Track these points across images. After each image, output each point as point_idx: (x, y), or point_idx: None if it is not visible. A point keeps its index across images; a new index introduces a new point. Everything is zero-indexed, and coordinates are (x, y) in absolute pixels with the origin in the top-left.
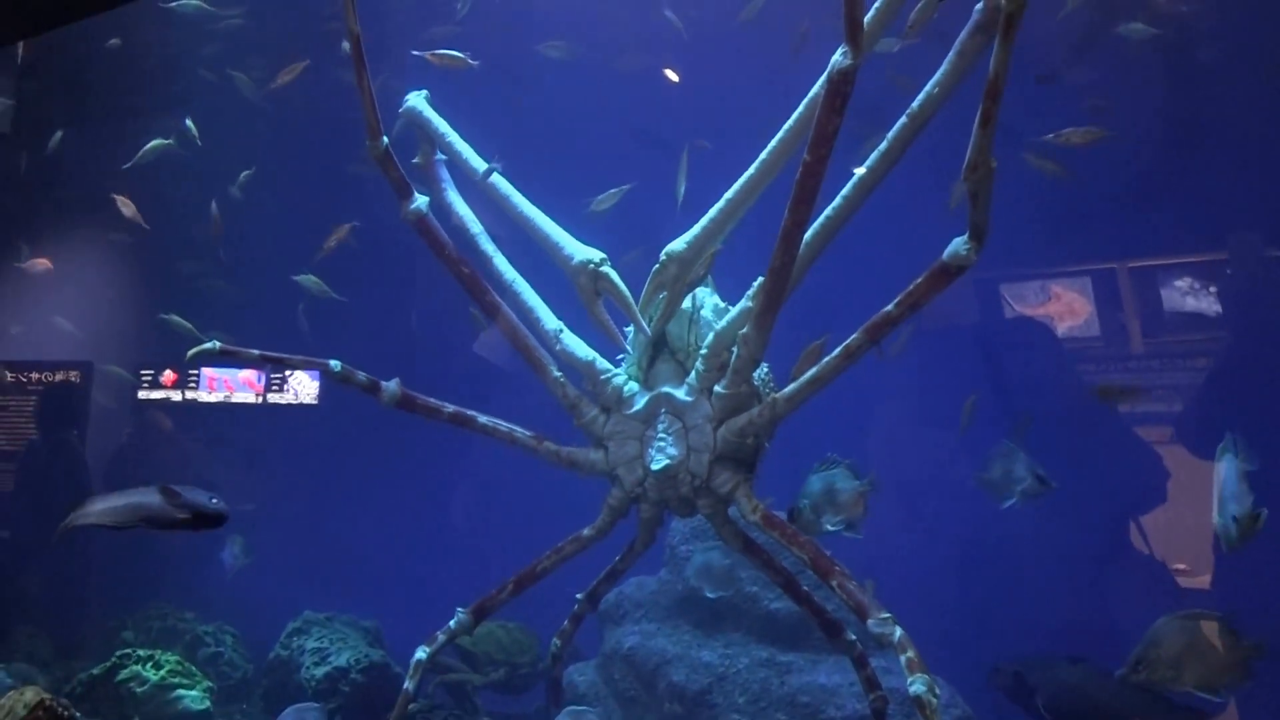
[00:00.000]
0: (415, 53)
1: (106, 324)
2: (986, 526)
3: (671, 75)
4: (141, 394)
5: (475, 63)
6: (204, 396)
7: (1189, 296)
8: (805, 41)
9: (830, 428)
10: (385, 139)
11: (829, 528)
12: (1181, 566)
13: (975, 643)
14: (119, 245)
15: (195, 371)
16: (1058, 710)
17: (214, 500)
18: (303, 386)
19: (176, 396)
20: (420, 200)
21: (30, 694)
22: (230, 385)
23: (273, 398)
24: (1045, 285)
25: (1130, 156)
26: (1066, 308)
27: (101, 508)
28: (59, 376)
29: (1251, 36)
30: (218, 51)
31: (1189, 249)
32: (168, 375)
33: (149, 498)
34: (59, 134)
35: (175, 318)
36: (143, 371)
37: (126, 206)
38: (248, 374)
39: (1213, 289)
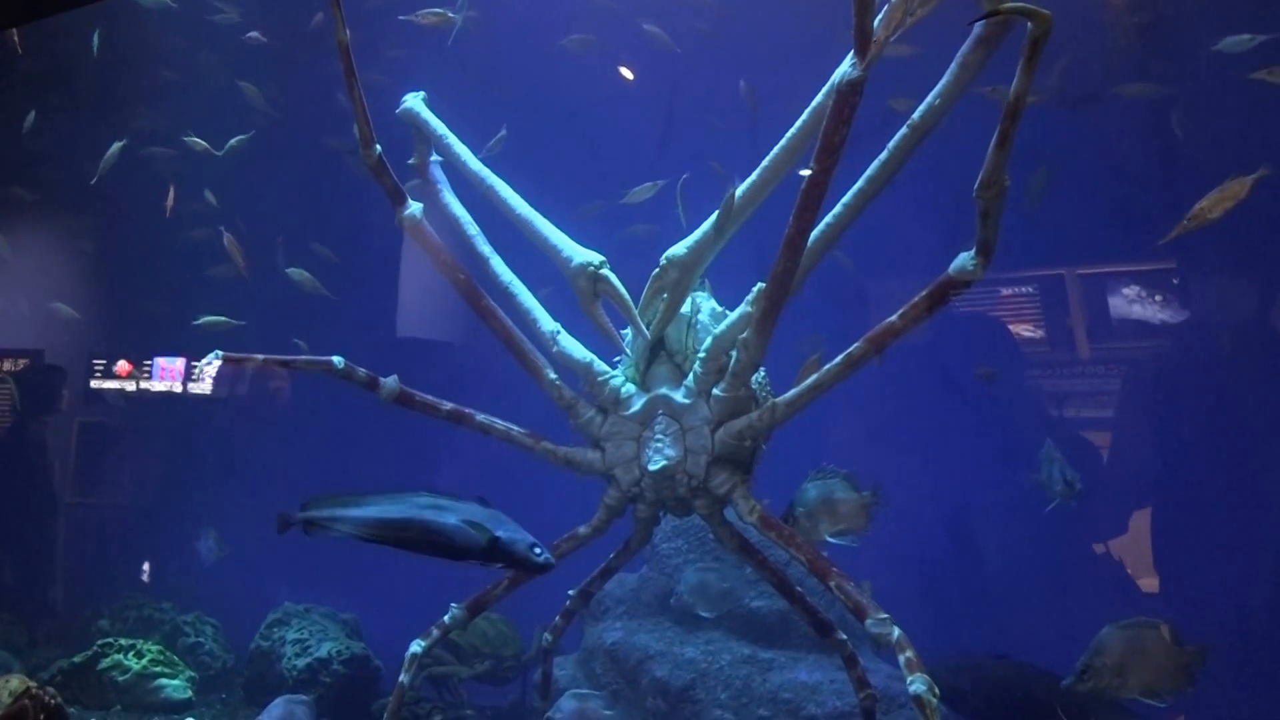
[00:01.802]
0: (402, 17)
1: (60, 312)
2: (940, 529)
3: (626, 73)
4: (94, 383)
5: (458, 16)
6: (156, 386)
7: (1135, 304)
8: (756, 99)
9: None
10: (378, 147)
11: (827, 538)
12: (1129, 570)
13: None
14: (77, 233)
15: (149, 361)
16: (991, 706)
17: (538, 551)
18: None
19: (130, 386)
20: (414, 206)
21: (15, 682)
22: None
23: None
24: (996, 290)
25: (1082, 162)
26: (1016, 313)
27: (373, 516)
28: (6, 365)
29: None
30: (205, 43)
31: (1138, 257)
32: (121, 365)
33: (439, 517)
34: (32, 114)
35: (209, 318)
36: (95, 360)
37: (170, 198)
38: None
39: (1158, 296)
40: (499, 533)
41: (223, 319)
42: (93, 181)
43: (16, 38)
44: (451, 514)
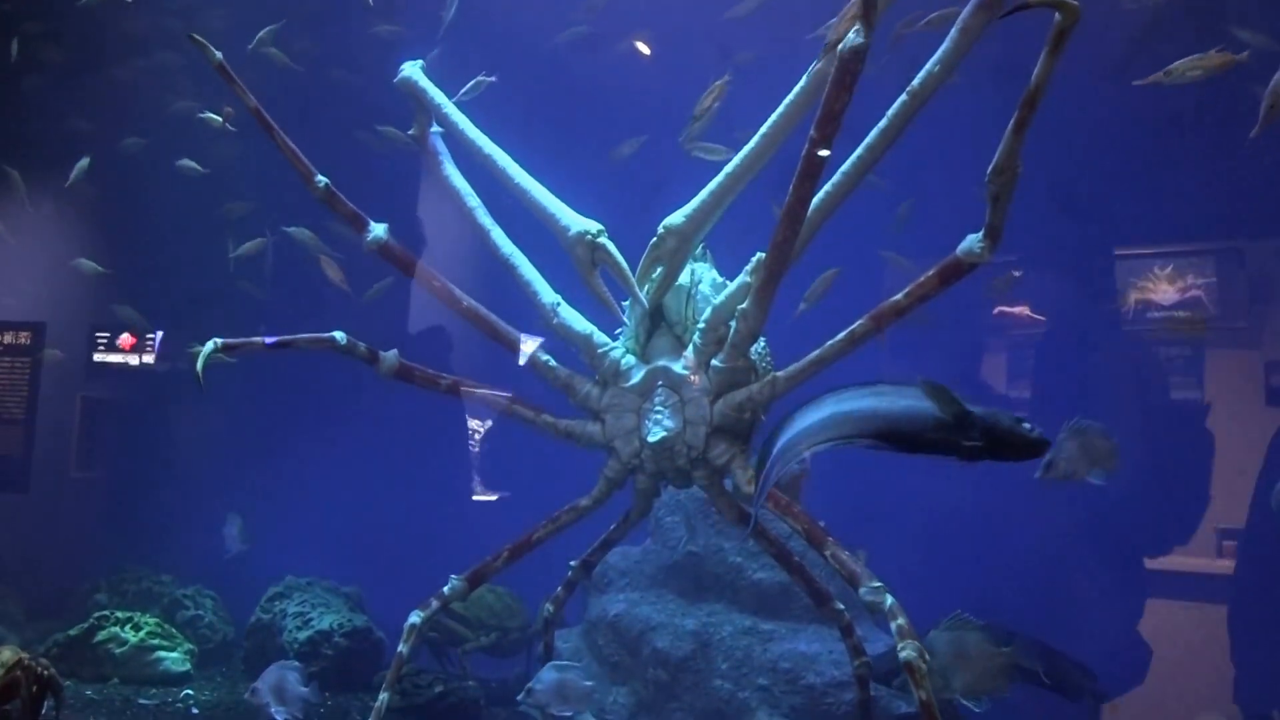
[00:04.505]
0: None
1: (60, 284)
2: (922, 509)
3: (642, 48)
4: (97, 357)
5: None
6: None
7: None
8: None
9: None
10: (321, 179)
11: None
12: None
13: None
14: (78, 201)
15: (152, 335)
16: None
17: (1028, 426)
18: None
19: (134, 360)
20: (378, 228)
21: (8, 653)
22: None
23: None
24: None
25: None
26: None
27: (827, 416)
28: (7, 338)
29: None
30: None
31: (1157, 240)
32: (125, 338)
33: (895, 402)
34: (15, 40)
35: (242, 247)
36: (98, 334)
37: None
38: None
39: (1173, 282)
40: (972, 408)
41: (260, 240)
42: (66, 184)
43: None
44: (901, 397)
